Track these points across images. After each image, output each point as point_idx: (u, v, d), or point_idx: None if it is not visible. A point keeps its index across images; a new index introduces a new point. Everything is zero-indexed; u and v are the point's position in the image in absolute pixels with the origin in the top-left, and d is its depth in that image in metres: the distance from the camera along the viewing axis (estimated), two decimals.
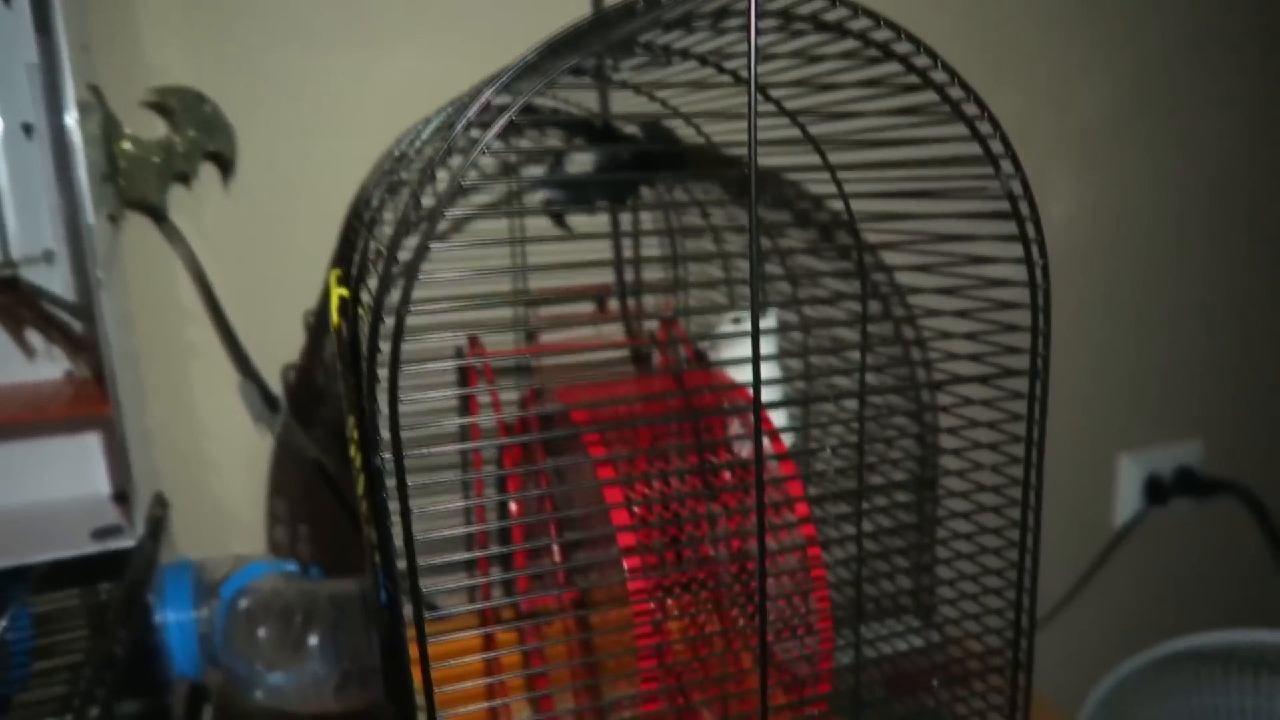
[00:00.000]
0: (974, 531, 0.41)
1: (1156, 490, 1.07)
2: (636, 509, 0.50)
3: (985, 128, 0.36)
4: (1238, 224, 1.04)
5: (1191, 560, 1.11)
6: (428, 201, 0.31)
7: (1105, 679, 0.95)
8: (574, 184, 0.74)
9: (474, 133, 0.32)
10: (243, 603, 0.51)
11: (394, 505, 0.32)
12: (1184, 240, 1.01)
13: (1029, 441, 0.39)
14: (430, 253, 0.29)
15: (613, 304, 0.75)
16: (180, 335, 0.63)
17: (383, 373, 0.30)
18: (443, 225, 0.30)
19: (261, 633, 0.49)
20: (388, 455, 0.30)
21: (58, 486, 0.57)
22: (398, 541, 0.33)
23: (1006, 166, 0.36)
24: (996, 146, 0.36)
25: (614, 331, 0.75)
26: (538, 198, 0.75)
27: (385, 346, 0.30)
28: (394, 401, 0.29)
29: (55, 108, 0.50)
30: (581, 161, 0.73)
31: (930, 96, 0.36)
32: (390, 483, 0.31)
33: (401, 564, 0.33)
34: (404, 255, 0.30)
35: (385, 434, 0.31)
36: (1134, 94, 0.91)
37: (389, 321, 0.29)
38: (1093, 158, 0.91)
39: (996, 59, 0.82)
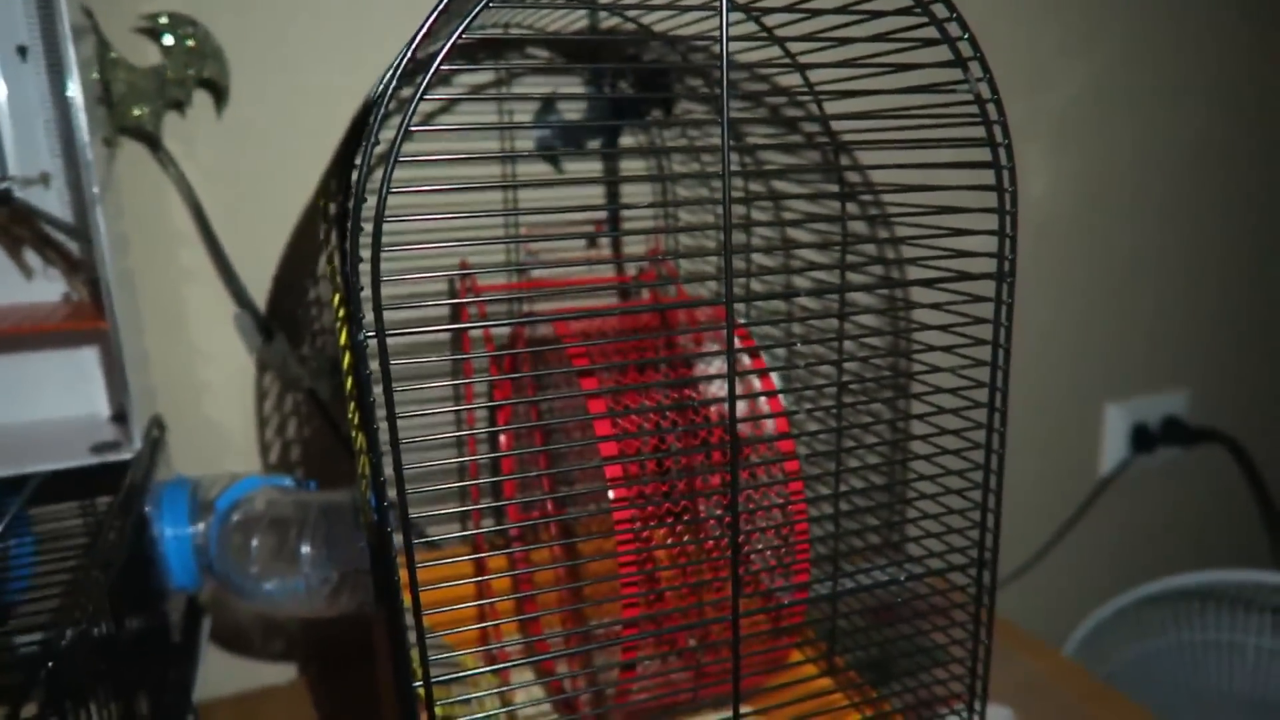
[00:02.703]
0: (936, 453, 0.42)
1: (1143, 439, 1.08)
2: (620, 427, 0.51)
3: (954, 29, 0.37)
4: (1218, 182, 1.04)
5: (1176, 507, 1.13)
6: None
7: (1087, 619, 0.97)
8: (564, 125, 0.75)
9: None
10: (236, 515, 0.52)
11: (380, 412, 0.33)
12: (1167, 197, 1.01)
13: (995, 346, 0.40)
14: (411, 135, 0.30)
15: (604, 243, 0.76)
16: (175, 261, 0.64)
17: (367, 254, 0.31)
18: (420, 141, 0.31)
19: (255, 542, 0.50)
20: (371, 333, 0.31)
21: (59, 406, 0.58)
22: (385, 446, 0.34)
23: (975, 69, 0.37)
24: (966, 49, 0.37)
25: (605, 270, 0.76)
26: (531, 140, 0.76)
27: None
28: (376, 281, 0.31)
29: (50, 29, 0.51)
30: (567, 106, 0.74)
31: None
32: (374, 364, 0.32)
33: (389, 468, 0.34)
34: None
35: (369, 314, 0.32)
36: (1112, 74, 0.92)
37: (372, 201, 0.30)
38: (1072, 131, 0.92)
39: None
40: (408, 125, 0.30)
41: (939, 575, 0.46)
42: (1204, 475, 1.13)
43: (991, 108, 0.37)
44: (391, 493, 0.34)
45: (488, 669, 0.45)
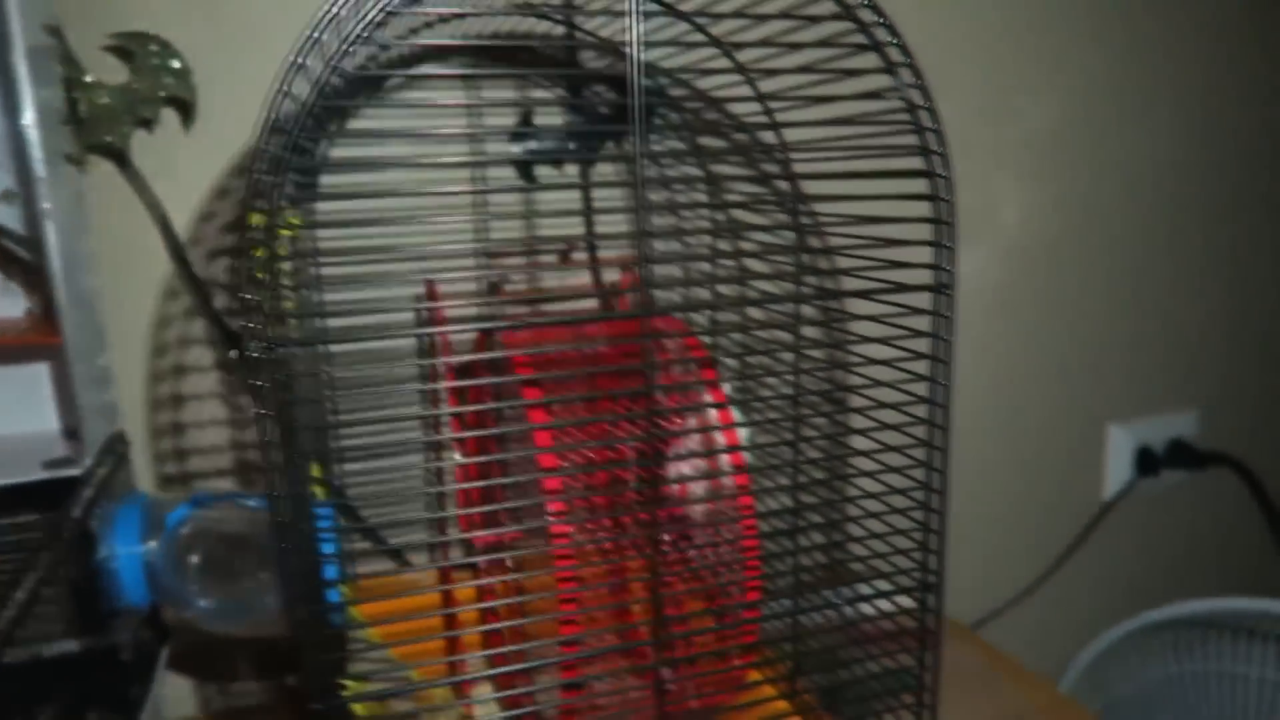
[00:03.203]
0: (878, 450, 0.40)
1: (1148, 462, 1.05)
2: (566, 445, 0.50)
3: (883, 35, 0.36)
4: (1214, 200, 1.02)
5: (1182, 532, 1.09)
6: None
7: (1088, 647, 0.94)
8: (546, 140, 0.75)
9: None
10: (183, 530, 0.52)
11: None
12: (1159, 216, 0.99)
13: (934, 360, 0.39)
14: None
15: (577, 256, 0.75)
16: (146, 277, 0.64)
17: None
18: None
19: (195, 559, 0.50)
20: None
21: (15, 422, 0.58)
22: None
23: (906, 75, 0.36)
24: (896, 54, 0.36)
25: (580, 283, 0.75)
26: (511, 152, 0.76)
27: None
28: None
29: (3, 46, 0.51)
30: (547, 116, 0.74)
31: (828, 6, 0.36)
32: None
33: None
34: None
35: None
36: (1086, 91, 0.91)
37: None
38: (1045, 157, 0.91)
39: (934, 72, 0.84)
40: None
41: (886, 597, 0.44)
42: (1211, 500, 1.09)
43: (925, 115, 0.36)
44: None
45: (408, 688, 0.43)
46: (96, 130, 0.61)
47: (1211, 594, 0.89)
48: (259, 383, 0.30)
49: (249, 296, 0.30)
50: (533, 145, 0.77)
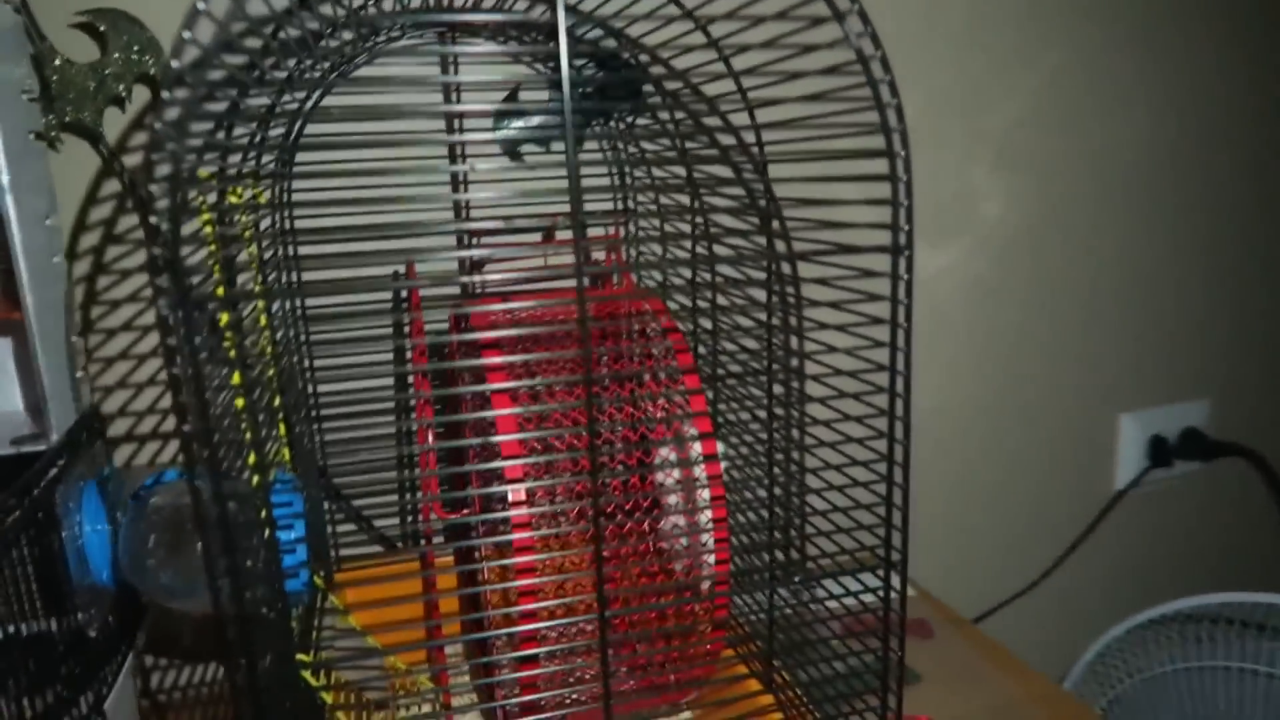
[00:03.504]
0: (837, 419, 0.39)
1: (1160, 452, 1.02)
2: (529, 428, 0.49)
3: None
4: (1216, 185, 0.99)
5: (1194, 523, 1.06)
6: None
7: (1096, 640, 0.92)
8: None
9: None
10: (144, 506, 0.51)
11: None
12: (1154, 203, 0.96)
13: (893, 325, 0.37)
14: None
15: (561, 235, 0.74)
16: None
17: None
18: None
19: (152, 537, 0.49)
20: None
21: None
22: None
23: (854, 23, 0.34)
24: (843, 2, 0.34)
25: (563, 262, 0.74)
26: (499, 135, 0.75)
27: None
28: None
29: None
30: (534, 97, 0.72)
31: None
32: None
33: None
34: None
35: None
36: (1063, 81, 0.89)
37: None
38: (1023, 147, 0.89)
39: (899, 67, 0.82)
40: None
41: (851, 576, 0.42)
42: (1224, 490, 1.06)
43: (876, 66, 0.35)
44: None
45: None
46: (68, 108, 0.60)
47: (1221, 587, 0.86)
48: (171, 342, 0.29)
49: (156, 251, 0.29)
50: (518, 124, 0.76)
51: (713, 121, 0.49)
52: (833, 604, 0.46)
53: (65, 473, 0.55)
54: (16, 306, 0.52)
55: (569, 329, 0.51)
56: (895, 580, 0.40)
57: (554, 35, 0.31)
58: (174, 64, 0.28)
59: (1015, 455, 0.97)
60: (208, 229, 0.43)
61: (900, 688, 0.43)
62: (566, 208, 0.74)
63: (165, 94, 0.28)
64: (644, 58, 0.58)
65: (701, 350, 0.58)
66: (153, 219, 0.28)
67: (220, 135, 0.41)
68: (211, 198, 0.41)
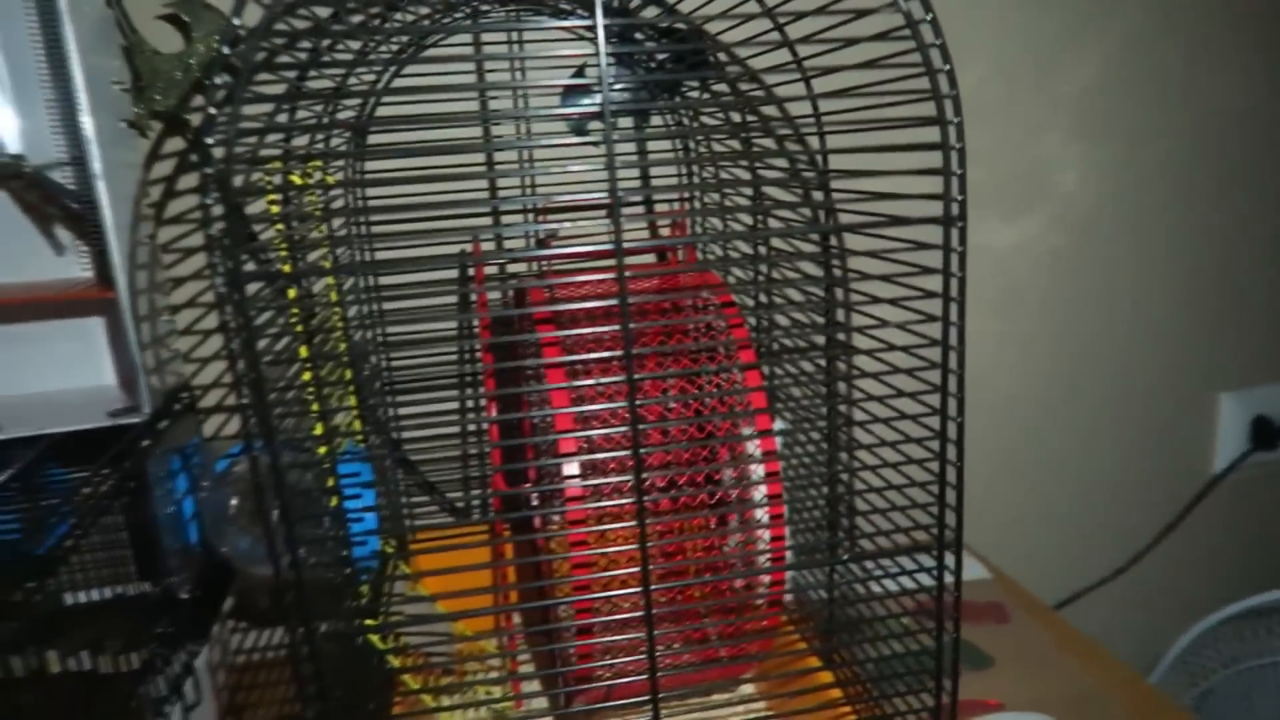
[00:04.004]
0: (890, 395, 0.38)
1: (1264, 433, 0.96)
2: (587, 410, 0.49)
3: None
4: None
5: None
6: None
7: (1186, 632, 0.88)
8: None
9: None
10: (228, 475, 0.54)
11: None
12: (1250, 172, 0.90)
13: (945, 299, 0.36)
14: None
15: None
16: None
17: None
18: None
19: (233, 504, 0.52)
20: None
21: (83, 375, 0.62)
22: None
23: None
24: None
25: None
26: (564, 111, 0.75)
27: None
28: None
29: (49, 20, 0.54)
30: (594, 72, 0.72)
31: None
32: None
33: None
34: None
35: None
36: (1138, 51, 0.83)
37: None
38: (1100, 116, 0.84)
39: (964, 33, 0.78)
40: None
41: (906, 555, 0.42)
42: None
43: (927, 30, 0.33)
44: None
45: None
46: (156, 96, 0.63)
47: None
48: (226, 320, 0.31)
49: (210, 231, 0.30)
50: (584, 101, 0.76)
51: (765, 91, 0.48)
52: (891, 584, 0.45)
53: (156, 443, 0.58)
54: (110, 286, 0.55)
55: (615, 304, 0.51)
56: (950, 561, 0.39)
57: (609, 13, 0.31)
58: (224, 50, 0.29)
59: (1104, 437, 0.93)
60: (273, 208, 0.45)
61: (955, 671, 0.42)
62: (628, 185, 0.73)
63: (216, 79, 0.29)
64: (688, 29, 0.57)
65: (755, 323, 0.57)
66: (206, 199, 0.30)
67: (282, 116, 0.42)
68: (276, 178, 0.42)
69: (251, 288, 0.37)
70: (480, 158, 0.68)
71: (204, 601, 0.64)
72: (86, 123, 0.53)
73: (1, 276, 0.59)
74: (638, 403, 0.36)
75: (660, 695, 0.41)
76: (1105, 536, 0.96)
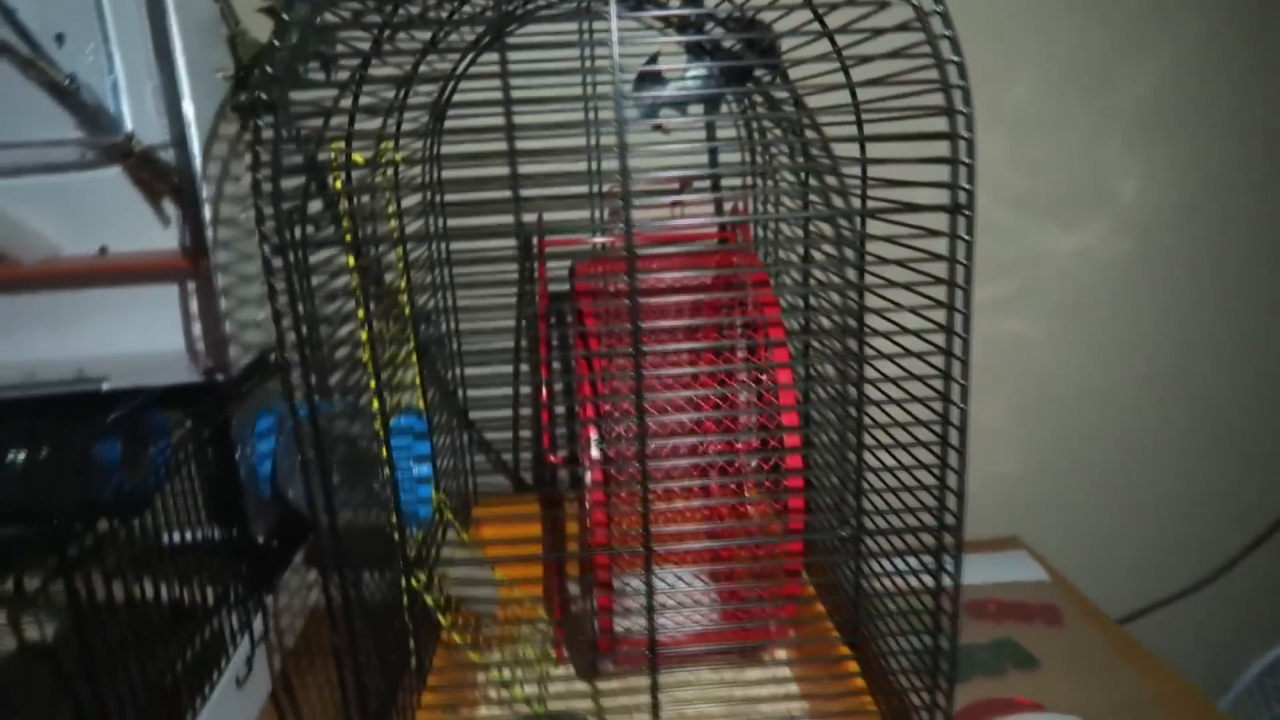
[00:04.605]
0: (902, 377, 0.39)
1: None
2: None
3: None
4: None
5: None
6: None
7: (1261, 655, 0.84)
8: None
9: None
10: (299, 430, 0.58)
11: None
12: None
13: (951, 285, 0.37)
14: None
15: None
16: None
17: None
18: None
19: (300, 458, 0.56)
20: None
21: (181, 338, 0.68)
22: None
23: None
24: None
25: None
26: (639, 102, 0.78)
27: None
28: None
29: (158, 12, 0.60)
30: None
31: None
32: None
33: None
34: None
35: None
36: (1196, 57, 0.79)
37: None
38: (1159, 124, 0.80)
39: (1015, 45, 0.77)
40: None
41: (910, 532, 0.42)
42: None
43: (936, 22, 0.34)
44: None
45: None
46: (256, 83, 0.69)
47: None
48: (271, 283, 0.34)
49: (259, 204, 0.34)
50: (657, 89, 0.78)
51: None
52: (902, 564, 0.46)
53: (241, 401, 0.64)
54: (203, 256, 0.61)
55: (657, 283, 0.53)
56: (950, 543, 0.40)
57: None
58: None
59: (1183, 445, 0.89)
60: (336, 183, 0.49)
61: (952, 663, 0.42)
62: (697, 170, 0.75)
63: (267, 67, 0.33)
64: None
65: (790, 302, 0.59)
66: (258, 175, 0.33)
67: (347, 101, 0.46)
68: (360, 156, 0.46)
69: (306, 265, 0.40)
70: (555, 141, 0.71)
71: (279, 548, 0.69)
72: (188, 108, 0.58)
73: (114, 245, 0.66)
74: (644, 373, 0.38)
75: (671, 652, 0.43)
76: (1184, 550, 0.92)
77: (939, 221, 0.37)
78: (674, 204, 0.76)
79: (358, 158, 0.50)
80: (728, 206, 0.74)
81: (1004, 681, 0.66)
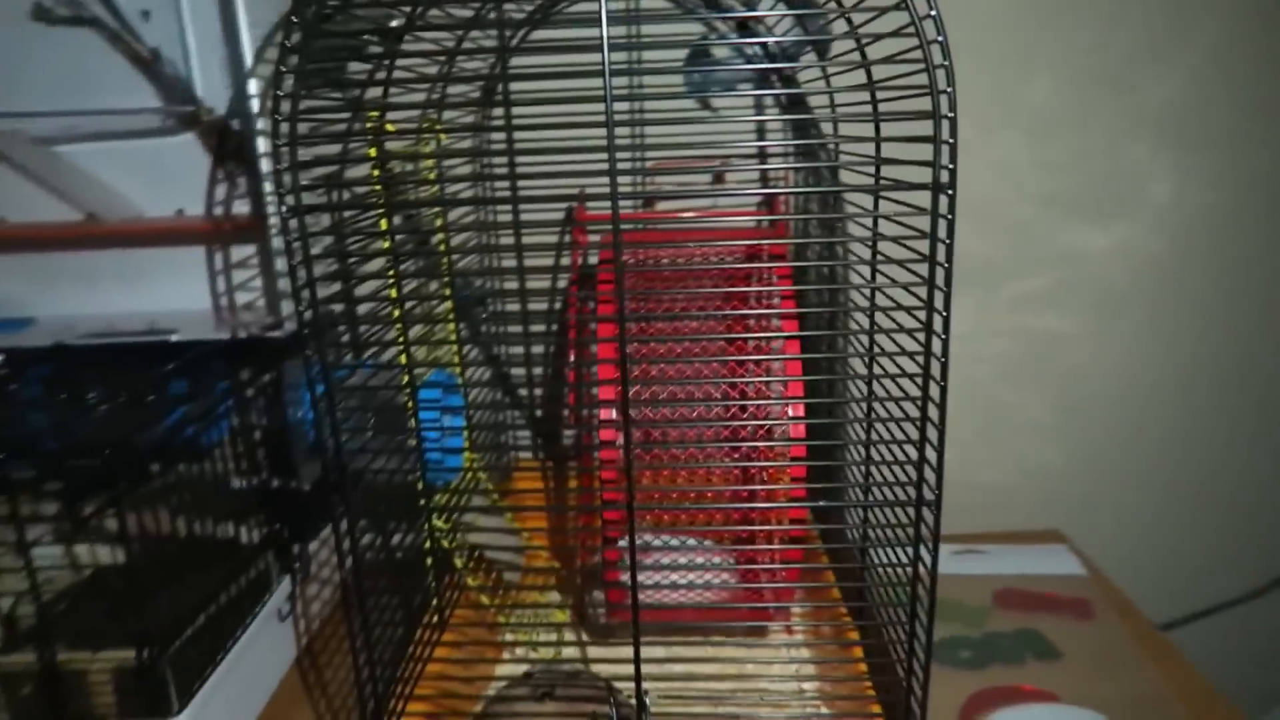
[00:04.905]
0: (895, 352, 0.39)
1: None
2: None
3: None
4: None
5: None
6: None
7: None
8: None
9: None
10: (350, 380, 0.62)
11: None
12: None
13: (932, 262, 0.37)
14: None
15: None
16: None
17: None
18: None
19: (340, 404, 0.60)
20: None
21: (241, 296, 0.73)
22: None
23: None
24: None
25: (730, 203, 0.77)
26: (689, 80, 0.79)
27: None
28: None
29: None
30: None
31: None
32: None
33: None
34: None
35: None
36: (1227, 58, 0.76)
37: None
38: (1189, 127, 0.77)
39: (1032, 46, 0.76)
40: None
41: (891, 506, 0.43)
42: None
43: (920, 1, 0.35)
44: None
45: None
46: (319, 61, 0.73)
47: None
48: (290, 240, 0.37)
49: (279, 168, 0.37)
50: (703, 70, 0.79)
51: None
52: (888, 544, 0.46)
53: (291, 357, 0.68)
54: (262, 219, 0.65)
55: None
56: (928, 517, 0.40)
57: None
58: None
59: (1235, 445, 0.86)
60: (370, 151, 0.52)
61: (929, 644, 0.42)
62: (738, 150, 0.76)
63: (286, 36, 0.36)
64: None
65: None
66: (276, 141, 0.36)
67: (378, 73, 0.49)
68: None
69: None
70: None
71: (323, 497, 0.74)
72: (251, 80, 0.63)
73: (190, 208, 0.71)
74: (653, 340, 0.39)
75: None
76: (1236, 557, 0.89)
77: (925, 200, 0.38)
78: (715, 180, 0.77)
79: (390, 127, 0.53)
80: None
81: (1021, 670, 0.65)
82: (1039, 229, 0.80)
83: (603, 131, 0.71)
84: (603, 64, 0.35)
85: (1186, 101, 0.77)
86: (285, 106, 0.38)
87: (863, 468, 0.45)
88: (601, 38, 0.36)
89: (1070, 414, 0.86)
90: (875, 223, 0.46)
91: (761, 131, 0.69)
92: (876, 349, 0.40)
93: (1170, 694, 0.62)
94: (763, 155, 0.75)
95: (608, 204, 0.37)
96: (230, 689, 0.57)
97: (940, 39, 0.35)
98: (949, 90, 0.35)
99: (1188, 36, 0.76)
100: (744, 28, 0.76)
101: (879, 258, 0.45)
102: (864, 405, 0.44)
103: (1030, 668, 0.66)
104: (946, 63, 0.35)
